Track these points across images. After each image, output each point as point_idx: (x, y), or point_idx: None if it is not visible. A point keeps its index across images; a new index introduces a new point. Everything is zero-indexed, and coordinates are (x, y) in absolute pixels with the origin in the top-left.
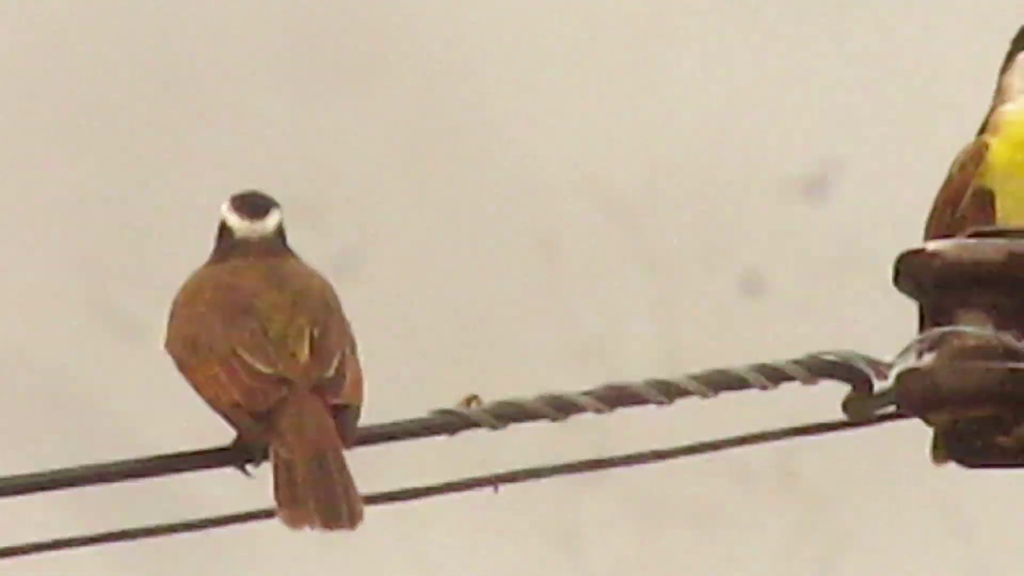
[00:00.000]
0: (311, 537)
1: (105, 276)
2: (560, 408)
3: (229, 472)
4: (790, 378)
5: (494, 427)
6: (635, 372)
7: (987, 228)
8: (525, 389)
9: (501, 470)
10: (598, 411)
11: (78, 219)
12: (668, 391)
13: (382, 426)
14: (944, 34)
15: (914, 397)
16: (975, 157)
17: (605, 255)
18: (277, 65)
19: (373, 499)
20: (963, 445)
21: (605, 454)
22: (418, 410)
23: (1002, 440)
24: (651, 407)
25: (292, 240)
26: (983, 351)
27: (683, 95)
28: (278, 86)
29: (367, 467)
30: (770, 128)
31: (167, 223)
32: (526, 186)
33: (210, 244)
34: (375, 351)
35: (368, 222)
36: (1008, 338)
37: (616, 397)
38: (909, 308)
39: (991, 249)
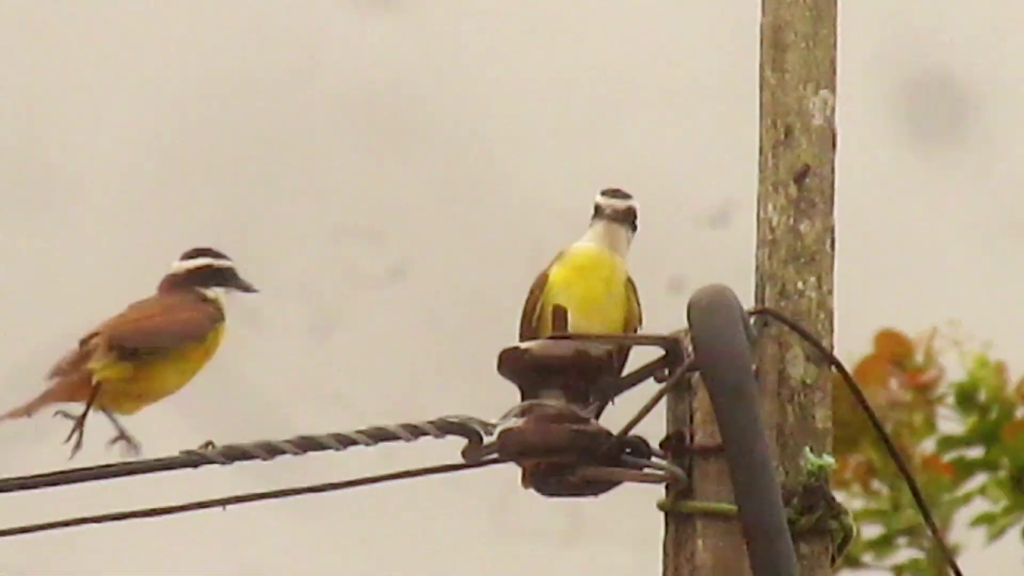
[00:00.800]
0: None
1: None
2: (269, 451)
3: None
4: (426, 433)
5: (223, 463)
6: None
7: (560, 333)
8: None
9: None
10: (295, 454)
11: (211, 235)
12: (343, 441)
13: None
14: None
15: (511, 447)
16: (539, 283)
17: None
18: (351, 130)
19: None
20: (544, 480)
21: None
22: (448, 383)
23: (570, 478)
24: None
25: (357, 254)
26: (558, 417)
27: (632, 153)
28: (352, 144)
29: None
30: (689, 176)
31: (274, 238)
32: (524, 215)
33: (310, 256)
34: (417, 338)
35: (412, 242)
36: (575, 408)
37: (307, 445)
38: None
39: (563, 347)
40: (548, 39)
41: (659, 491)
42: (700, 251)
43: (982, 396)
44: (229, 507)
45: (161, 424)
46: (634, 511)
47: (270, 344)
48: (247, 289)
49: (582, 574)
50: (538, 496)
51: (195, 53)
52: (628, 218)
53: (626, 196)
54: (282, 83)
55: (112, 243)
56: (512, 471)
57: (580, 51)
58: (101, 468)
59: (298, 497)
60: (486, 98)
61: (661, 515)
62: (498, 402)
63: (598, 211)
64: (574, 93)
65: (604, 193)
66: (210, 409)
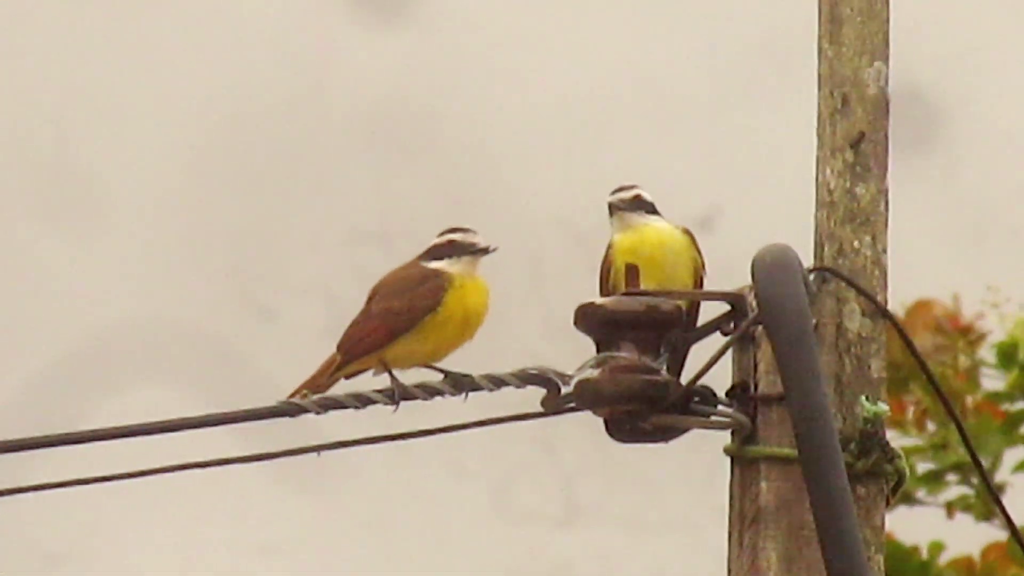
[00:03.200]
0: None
1: (249, 276)
2: (361, 400)
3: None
4: (507, 383)
5: (318, 413)
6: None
7: (632, 290)
8: (516, 352)
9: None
10: (385, 403)
11: (234, 238)
12: (429, 391)
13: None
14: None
15: (587, 397)
16: (607, 254)
17: (574, 270)
18: (363, 142)
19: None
20: (618, 428)
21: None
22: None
23: (643, 425)
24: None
25: (366, 256)
26: (630, 368)
27: (624, 164)
28: (363, 155)
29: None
30: (675, 185)
31: (292, 241)
32: (522, 222)
33: (324, 258)
34: None
35: (420, 246)
36: (646, 359)
37: (404, 395)
38: None
39: (635, 302)
40: (547, 58)
41: (724, 437)
42: None
43: (1022, 354)
44: (246, 490)
45: (178, 415)
46: (626, 494)
47: (287, 340)
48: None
49: (578, 555)
50: (535, 482)
51: (217, 72)
52: (636, 206)
53: (630, 187)
54: (298, 99)
55: (142, 248)
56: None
57: (579, 69)
58: (193, 419)
59: (311, 481)
60: (489, 112)
61: (653, 497)
62: (501, 400)
63: (610, 209)
64: (572, 107)
65: (613, 192)
66: (229, 401)
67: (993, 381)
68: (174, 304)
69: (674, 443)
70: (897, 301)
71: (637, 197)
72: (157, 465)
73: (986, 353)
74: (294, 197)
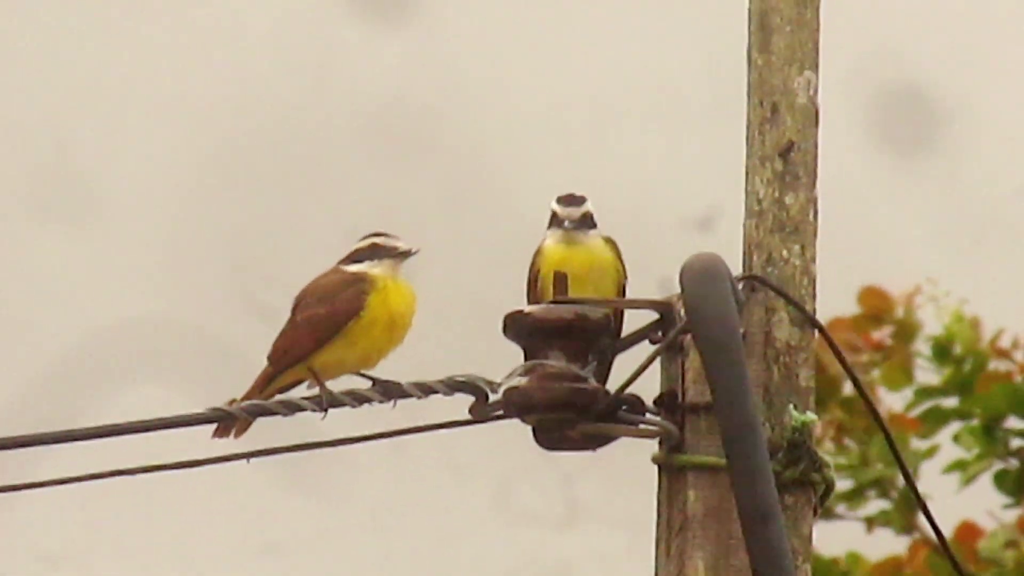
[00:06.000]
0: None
1: (251, 278)
2: (289, 407)
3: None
4: (435, 391)
5: (248, 419)
6: None
7: (560, 298)
8: (513, 364)
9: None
10: (313, 411)
11: (234, 238)
12: (358, 398)
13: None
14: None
15: (515, 404)
16: (535, 261)
17: None
18: (363, 142)
19: None
20: (546, 435)
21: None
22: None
23: (570, 433)
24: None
25: None
26: (559, 375)
27: (625, 164)
28: (364, 155)
29: None
30: (677, 185)
31: (293, 238)
32: (520, 221)
33: (325, 257)
34: (423, 335)
35: (419, 245)
36: (575, 368)
37: (332, 402)
38: None
39: (564, 311)
40: (547, 59)
41: (652, 446)
42: (687, 254)
43: (957, 349)
44: (247, 490)
45: (185, 407)
46: (627, 497)
47: None
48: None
49: (578, 556)
50: (535, 482)
51: (218, 72)
52: (582, 223)
53: (580, 201)
54: (299, 100)
55: (142, 247)
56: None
57: (577, 71)
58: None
59: (313, 480)
60: (489, 112)
61: (653, 498)
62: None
63: (554, 218)
64: (571, 109)
65: (560, 200)
66: (226, 394)
67: (928, 375)
68: (174, 303)
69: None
70: (859, 290)
71: (586, 216)
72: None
73: (922, 346)
74: (295, 197)
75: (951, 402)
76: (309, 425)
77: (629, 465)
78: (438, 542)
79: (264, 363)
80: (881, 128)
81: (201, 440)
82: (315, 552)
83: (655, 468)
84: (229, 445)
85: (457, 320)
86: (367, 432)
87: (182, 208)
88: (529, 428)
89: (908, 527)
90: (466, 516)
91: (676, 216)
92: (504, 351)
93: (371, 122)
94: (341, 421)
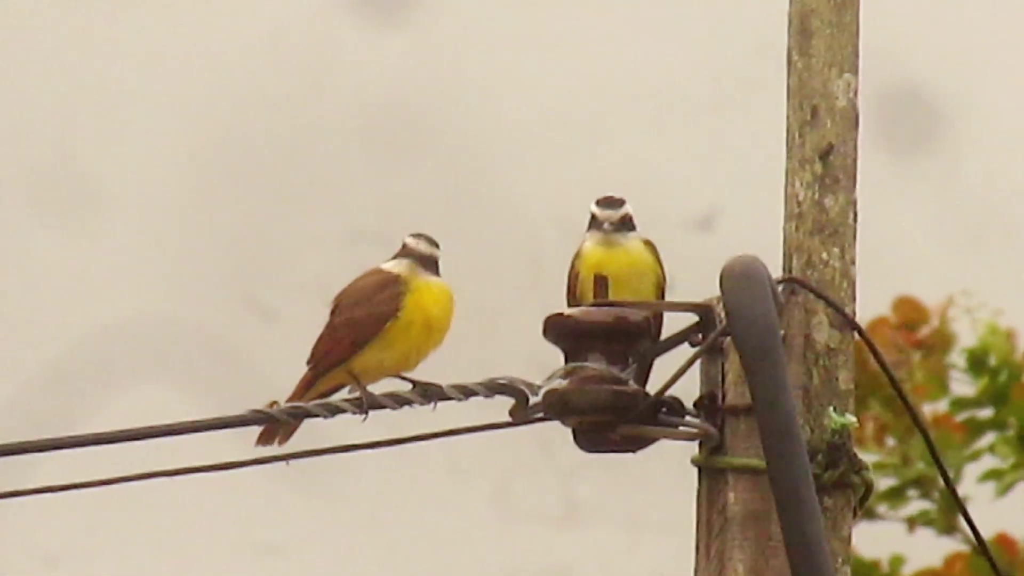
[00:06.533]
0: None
1: (251, 278)
2: (329, 409)
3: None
4: (476, 393)
5: (287, 421)
6: None
7: (601, 300)
8: (515, 353)
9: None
10: (354, 413)
11: (234, 238)
12: (399, 400)
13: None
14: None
15: (555, 407)
16: (574, 263)
17: None
18: (363, 141)
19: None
20: (586, 438)
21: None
22: (447, 370)
23: (611, 435)
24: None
25: (366, 256)
26: (598, 378)
27: (624, 164)
28: (363, 154)
29: None
30: (677, 185)
31: (292, 241)
32: (521, 221)
33: (325, 258)
34: None
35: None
36: (615, 370)
37: (372, 404)
38: None
39: (604, 313)
40: (547, 58)
41: (692, 448)
42: (688, 254)
43: (992, 360)
44: (247, 491)
45: (178, 414)
46: (626, 496)
47: (287, 340)
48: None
49: (578, 555)
50: (535, 483)
51: (217, 71)
52: (621, 226)
53: (619, 204)
54: (298, 98)
55: (141, 247)
56: (513, 459)
57: (577, 69)
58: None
59: (313, 481)
60: (489, 111)
61: (653, 497)
62: (503, 399)
63: (593, 221)
64: (571, 108)
65: (599, 203)
66: (229, 402)
67: (962, 386)
68: (173, 303)
69: (675, 444)
70: (893, 300)
71: (625, 218)
72: (156, 467)
73: (957, 357)
74: (294, 197)
75: (986, 413)
76: (316, 430)
77: (629, 464)
78: (438, 542)
79: (266, 364)
80: (880, 128)
81: (204, 443)
82: (315, 552)
83: (657, 466)
84: (229, 449)
85: (458, 316)
86: (372, 435)
87: (182, 207)
88: (556, 432)
89: (950, 528)
90: (466, 516)
91: (677, 216)
92: (506, 352)
93: (371, 122)
94: (346, 423)
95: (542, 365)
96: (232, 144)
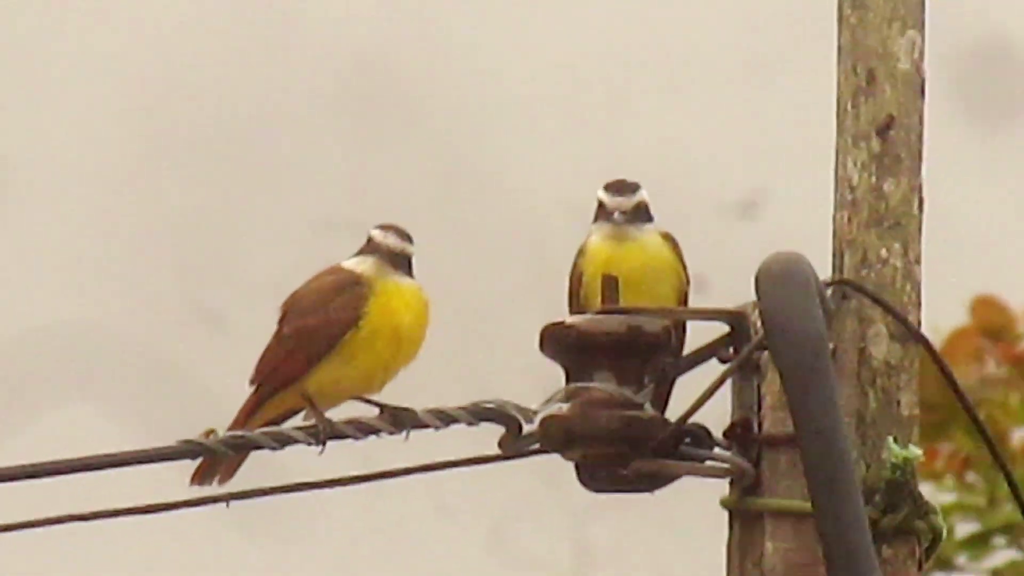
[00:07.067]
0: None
1: (195, 277)
2: (279, 440)
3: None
4: (457, 420)
5: (226, 454)
6: None
7: (610, 307)
8: (515, 364)
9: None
10: (309, 444)
11: (175, 229)
12: (362, 429)
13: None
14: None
15: (554, 437)
16: (577, 262)
17: None
18: (332, 109)
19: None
20: (591, 475)
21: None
22: (439, 389)
23: (622, 471)
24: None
25: (349, 245)
26: (608, 402)
27: (647, 137)
28: (334, 126)
29: None
30: (712, 163)
31: (245, 233)
32: (523, 208)
33: (286, 253)
34: None
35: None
36: (628, 392)
37: (331, 433)
38: None
39: (614, 322)
40: (554, 9)
41: (722, 487)
42: (725, 246)
43: None
44: (197, 535)
45: (119, 431)
46: (645, 542)
47: (236, 349)
48: None
49: None
50: (539, 525)
51: (157, 23)
52: (635, 216)
53: (632, 190)
54: (257, 57)
55: (66, 243)
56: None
57: (589, 25)
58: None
59: (271, 524)
60: (485, 75)
61: (675, 545)
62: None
63: (601, 210)
64: (582, 71)
65: (607, 188)
66: (165, 425)
67: None
68: (102, 308)
69: (701, 482)
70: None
71: (639, 206)
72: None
73: None
74: (248, 179)
75: None
76: (269, 461)
77: (649, 504)
78: None
79: (212, 381)
80: (955, 96)
81: (139, 475)
82: None
83: (680, 508)
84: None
85: (446, 322)
86: (339, 468)
87: (113, 194)
88: (564, 463)
89: None
90: (456, 563)
91: (712, 201)
92: (502, 368)
93: (344, 85)
94: (305, 455)
95: (547, 383)
96: (175, 114)
